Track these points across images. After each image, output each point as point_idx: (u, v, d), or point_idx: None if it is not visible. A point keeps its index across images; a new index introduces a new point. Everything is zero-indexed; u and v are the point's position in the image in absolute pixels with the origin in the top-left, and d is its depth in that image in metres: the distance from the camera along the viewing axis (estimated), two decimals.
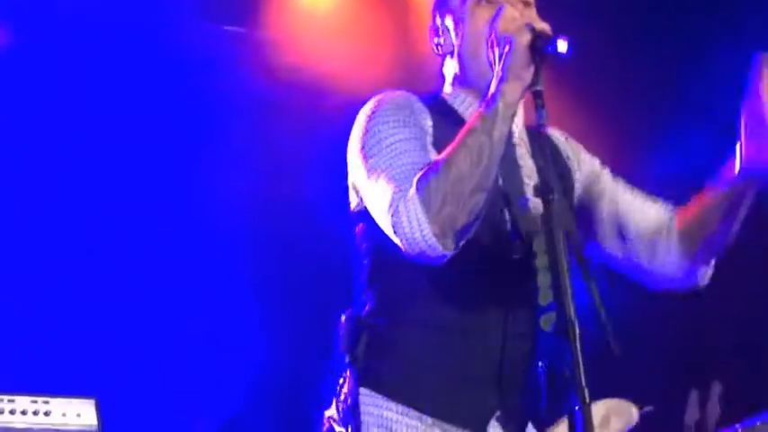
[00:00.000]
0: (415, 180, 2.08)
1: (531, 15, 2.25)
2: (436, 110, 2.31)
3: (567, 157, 2.45)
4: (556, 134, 2.48)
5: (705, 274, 2.38)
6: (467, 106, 2.36)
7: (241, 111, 4.62)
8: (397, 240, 2.09)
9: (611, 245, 2.41)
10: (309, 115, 4.56)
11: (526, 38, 2.07)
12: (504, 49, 2.09)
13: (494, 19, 2.17)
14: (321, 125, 4.32)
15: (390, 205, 2.09)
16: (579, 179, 2.45)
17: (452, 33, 2.39)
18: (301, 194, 4.50)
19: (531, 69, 2.07)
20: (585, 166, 2.49)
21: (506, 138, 2.10)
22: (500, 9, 2.19)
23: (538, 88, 2.06)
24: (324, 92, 4.54)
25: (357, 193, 2.30)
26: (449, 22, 2.40)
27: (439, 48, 2.43)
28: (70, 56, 4.40)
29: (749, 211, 2.24)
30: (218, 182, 4.56)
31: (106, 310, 4.35)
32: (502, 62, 2.09)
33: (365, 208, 2.24)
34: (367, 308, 2.29)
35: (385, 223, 2.12)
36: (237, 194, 4.60)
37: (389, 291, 2.27)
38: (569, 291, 1.91)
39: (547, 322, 2.09)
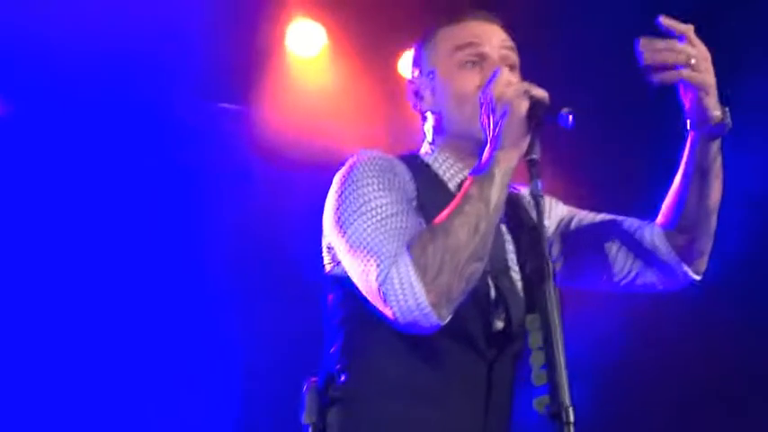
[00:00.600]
0: (406, 246, 1.98)
1: (524, 81, 2.15)
2: (417, 171, 2.23)
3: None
4: (525, 192, 2.37)
5: (700, 264, 2.29)
6: (448, 167, 2.28)
7: (234, 187, 4.61)
8: (385, 308, 1.98)
9: (599, 268, 2.33)
10: (303, 192, 4.55)
11: (524, 105, 2.01)
12: (499, 115, 2.02)
13: (488, 82, 2.09)
14: (316, 202, 4.31)
15: (380, 272, 1.97)
16: (548, 224, 2.36)
17: (435, 91, 2.30)
18: (297, 270, 4.48)
19: (528, 138, 2.01)
20: (555, 212, 2.41)
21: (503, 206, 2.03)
22: (496, 72, 2.11)
23: (534, 157, 2.00)
24: (317, 169, 4.53)
25: (334, 256, 2.19)
26: (432, 78, 2.31)
27: (419, 104, 2.35)
28: (64, 132, 4.40)
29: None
30: (210, 256, 4.53)
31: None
32: (497, 129, 2.02)
33: (343, 272, 2.13)
34: (342, 378, 2.15)
35: (371, 290, 2.00)
36: (230, 272, 4.56)
37: (365, 361, 2.14)
38: (564, 372, 1.85)
39: (540, 404, 1.97)
